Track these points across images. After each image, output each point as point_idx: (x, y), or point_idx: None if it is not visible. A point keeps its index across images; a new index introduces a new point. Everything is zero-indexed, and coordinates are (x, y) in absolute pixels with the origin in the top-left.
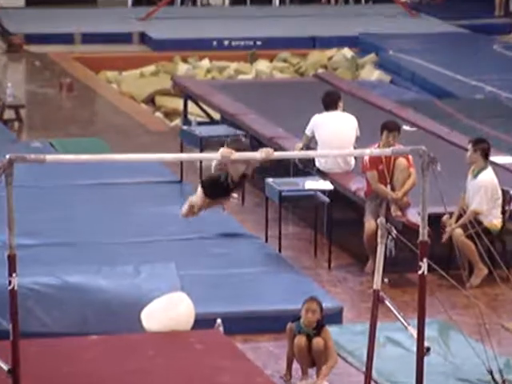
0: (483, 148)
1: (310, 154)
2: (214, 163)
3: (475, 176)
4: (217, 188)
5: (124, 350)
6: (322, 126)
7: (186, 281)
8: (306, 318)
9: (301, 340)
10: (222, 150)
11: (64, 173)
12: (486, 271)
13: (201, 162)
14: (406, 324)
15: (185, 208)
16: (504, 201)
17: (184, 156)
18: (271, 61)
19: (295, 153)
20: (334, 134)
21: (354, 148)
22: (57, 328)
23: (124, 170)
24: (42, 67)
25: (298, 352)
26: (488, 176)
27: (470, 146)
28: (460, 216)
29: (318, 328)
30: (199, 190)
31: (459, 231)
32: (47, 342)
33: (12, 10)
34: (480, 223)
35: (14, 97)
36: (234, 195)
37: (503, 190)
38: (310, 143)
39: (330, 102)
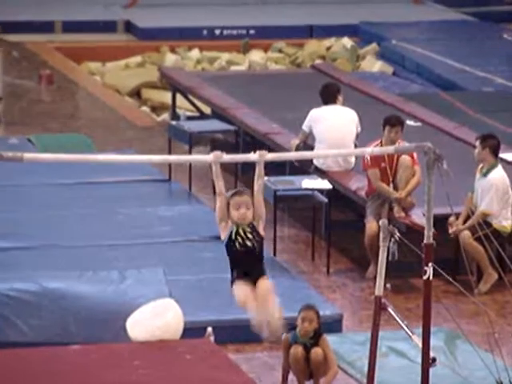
0: (492, 145)
1: (307, 154)
2: (217, 212)
3: (484, 175)
4: (239, 253)
5: (108, 361)
6: (320, 121)
7: (174, 287)
8: (303, 328)
9: (297, 350)
10: (213, 152)
11: (44, 171)
12: (495, 276)
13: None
14: (410, 333)
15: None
16: None
17: (172, 158)
18: (266, 51)
19: (291, 154)
20: (333, 130)
21: (355, 144)
22: (35, 337)
23: (108, 169)
24: (19, 58)
25: (294, 363)
26: (498, 174)
27: (477, 143)
28: (467, 217)
29: (316, 337)
30: (233, 287)
31: (467, 233)
32: (24, 352)
33: None
34: (489, 225)
35: None
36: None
37: None
38: (308, 139)
39: (328, 96)
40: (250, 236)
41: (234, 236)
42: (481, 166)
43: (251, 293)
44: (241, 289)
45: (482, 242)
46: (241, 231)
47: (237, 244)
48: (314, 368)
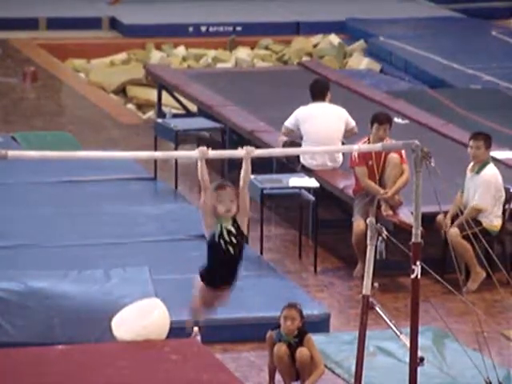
0: (488, 142)
1: (294, 150)
2: (201, 206)
3: (477, 172)
4: (219, 254)
5: (93, 362)
6: (308, 120)
7: (160, 286)
8: (286, 327)
9: (281, 349)
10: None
11: (27, 169)
12: (483, 275)
13: (176, 159)
14: (397, 332)
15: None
16: (505, 199)
17: (158, 154)
18: (252, 48)
19: (278, 150)
20: (320, 129)
21: (342, 143)
22: (20, 337)
23: (93, 167)
24: (2, 55)
25: (278, 362)
26: (492, 171)
27: (471, 142)
28: (455, 216)
29: (300, 336)
30: (197, 280)
31: (455, 231)
32: (9, 352)
33: None
34: (479, 223)
35: None
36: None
37: (504, 188)
38: (292, 136)
39: (318, 91)
40: (233, 240)
41: (217, 239)
42: (472, 164)
43: (206, 304)
44: (202, 295)
45: (470, 241)
46: (225, 233)
47: (219, 248)
48: (300, 368)
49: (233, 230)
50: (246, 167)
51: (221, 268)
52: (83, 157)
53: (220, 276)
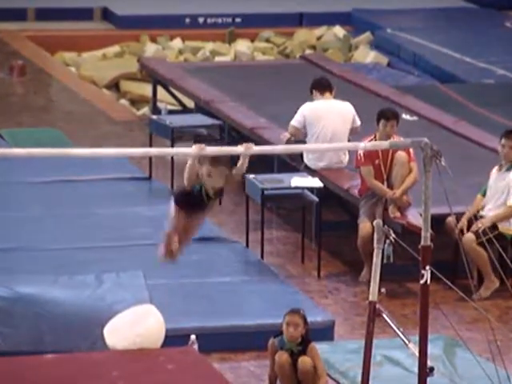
0: None
1: (295, 147)
2: (185, 174)
3: (508, 169)
4: (191, 199)
5: (84, 371)
6: (315, 121)
7: (155, 291)
8: (288, 334)
9: (282, 357)
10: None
11: (15, 168)
12: (497, 284)
13: (172, 157)
14: (406, 340)
15: (161, 247)
16: None
17: (153, 151)
18: (252, 41)
19: (278, 147)
20: (328, 132)
21: (348, 140)
22: (7, 346)
23: (84, 166)
24: None
25: (280, 371)
26: None
27: (504, 141)
28: (471, 219)
29: (304, 344)
30: (171, 206)
31: (471, 237)
32: None
33: None
34: (495, 228)
35: None
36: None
37: None
38: (299, 136)
39: (322, 86)
40: (211, 196)
41: (195, 192)
42: (500, 164)
43: (178, 233)
44: (178, 220)
45: (485, 247)
46: (203, 193)
47: (196, 196)
48: (302, 378)
49: (211, 193)
50: (242, 162)
51: (194, 201)
52: (73, 154)
53: (192, 205)
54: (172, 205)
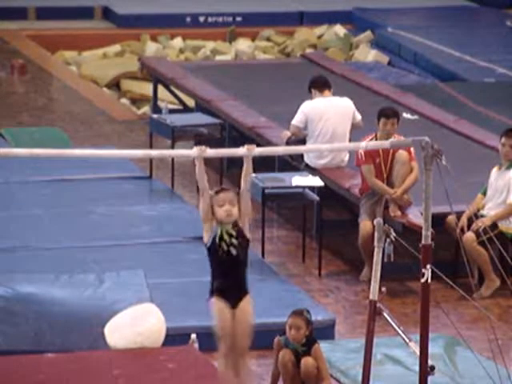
0: None
1: (297, 148)
2: (200, 210)
3: (508, 168)
4: (222, 262)
5: (85, 370)
6: (316, 120)
7: (156, 290)
8: (290, 336)
9: (285, 355)
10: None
11: (15, 167)
12: (498, 283)
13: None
14: (406, 339)
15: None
16: None
17: (154, 153)
18: (253, 39)
19: (281, 148)
20: (329, 131)
21: (349, 140)
22: (7, 345)
23: (85, 165)
24: None
25: (283, 370)
26: None
27: (504, 140)
28: (471, 218)
29: (308, 344)
30: (211, 302)
31: (471, 236)
32: None
33: None
34: (495, 226)
35: None
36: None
37: None
38: (300, 134)
39: (321, 84)
40: (234, 242)
41: (217, 241)
42: (500, 163)
43: (230, 321)
44: (221, 314)
45: (486, 246)
46: (225, 236)
47: (220, 251)
48: (305, 378)
49: (233, 232)
50: (246, 166)
51: (225, 275)
52: (74, 154)
53: (228, 285)
54: (211, 301)
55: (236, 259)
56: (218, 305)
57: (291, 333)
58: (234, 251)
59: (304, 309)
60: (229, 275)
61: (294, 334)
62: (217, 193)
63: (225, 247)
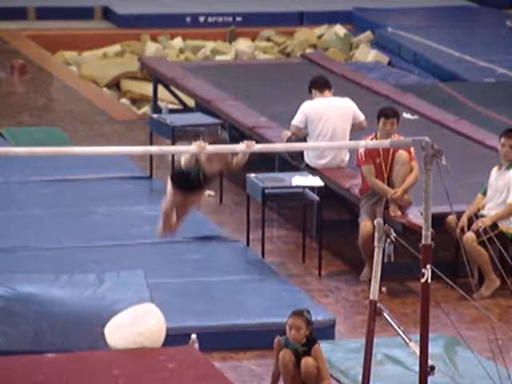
0: None
1: (296, 146)
2: (183, 158)
3: (507, 168)
4: (187, 180)
5: (85, 370)
6: (316, 120)
7: (156, 290)
8: (290, 336)
9: (286, 356)
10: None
11: (15, 167)
12: (498, 283)
13: (173, 156)
14: (407, 339)
15: (159, 224)
16: None
17: (154, 149)
18: (253, 39)
19: (280, 145)
20: (329, 131)
21: (350, 139)
22: (7, 345)
23: (85, 165)
24: None
25: (283, 370)
26: None
27: (504, 140)
28: (471, 218)
29: (309, 344)
30: (169, 184)
31: (472, 236)
32: None
33: None
34: (495, 226)
35: None
36: (211, 193)
37: None
38: (300, 134)
39: (321, 84)
40: (209, 180)
41: (192, 176)
42: (500, 163)
43: (175, 208)
44: (172, 198)
45: (486, 246)
46: (201, 176)
47: (191, 177)
48: (305, 378)
49: (209, 177)
50: (242, 156)
51: (190, 183)
52: (74, 153)
53: (188, 186)
54: (169, 183)
55: (201, 182)
56: (172, 190)
57: (291, 333)
58: (202, 180)
59: (304, 309)
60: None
61: (295, 334)
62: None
63: (194, 177)
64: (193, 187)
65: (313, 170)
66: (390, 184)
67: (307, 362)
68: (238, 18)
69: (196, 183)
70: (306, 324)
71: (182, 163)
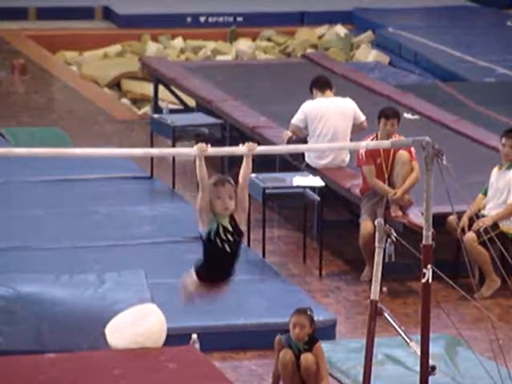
0: None
1: (298, 147)
2: (198, 204)
3: (508, 168)
4: (212, 261)
5: (85, 370)
6: (316, 120)
7: (156, 290)
8: (294, 334)
9: (286, 356)
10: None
11: (16, 167)
12: (499, 283)
13: (173, 156)
14: (407, 339)
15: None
16: None
17: (154, 151)
18: (254, 40)
19: (281, 147)
20: (329, 131)
21: (350, 140)
22: (7, 345)
23: (85, 165)
24: None
25: (283, 369)
26: None
27: (504, 140)
28: (472, 218)
29: (311, 343)
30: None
31: (472, 236)
32: None
33: None
34: (496, 226)
35: None
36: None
37: None
38: (300, 134)
39: (322, 84)
40: (230, 238)
41: (213, 237)
42: (501, 162)
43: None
44: (193, 284)
45: (487, 246)
46: (221, 231)
47: (215, 247)
48: (305, 375)
49: (229, 227)
50: (246, 164)
51: (216, 265)
52: (75, 154)
53: (215, 272)
54: (192, 274)
55: (228, 255)
56: (195, 280)
57: (295, 331)
58: (227, 248)
59: (307, 307)
60: (217, 267)
61: (299, 331)
62: (216, 184)
63: (219, 244)
64: (222, 259)
65: (313, 170)
66: (391, 184)
67: (307, 357)
68: (239, 18)
69: (222, 253)
70: (309, 322)
71: (199, 225)
